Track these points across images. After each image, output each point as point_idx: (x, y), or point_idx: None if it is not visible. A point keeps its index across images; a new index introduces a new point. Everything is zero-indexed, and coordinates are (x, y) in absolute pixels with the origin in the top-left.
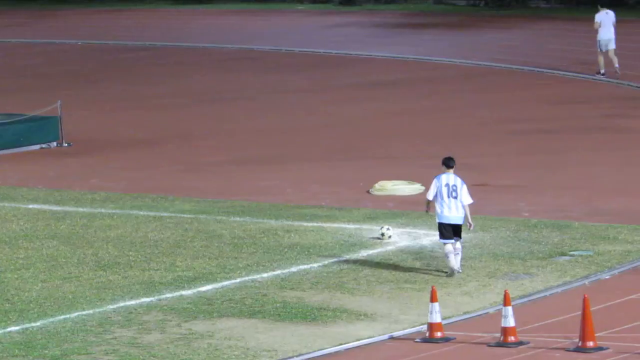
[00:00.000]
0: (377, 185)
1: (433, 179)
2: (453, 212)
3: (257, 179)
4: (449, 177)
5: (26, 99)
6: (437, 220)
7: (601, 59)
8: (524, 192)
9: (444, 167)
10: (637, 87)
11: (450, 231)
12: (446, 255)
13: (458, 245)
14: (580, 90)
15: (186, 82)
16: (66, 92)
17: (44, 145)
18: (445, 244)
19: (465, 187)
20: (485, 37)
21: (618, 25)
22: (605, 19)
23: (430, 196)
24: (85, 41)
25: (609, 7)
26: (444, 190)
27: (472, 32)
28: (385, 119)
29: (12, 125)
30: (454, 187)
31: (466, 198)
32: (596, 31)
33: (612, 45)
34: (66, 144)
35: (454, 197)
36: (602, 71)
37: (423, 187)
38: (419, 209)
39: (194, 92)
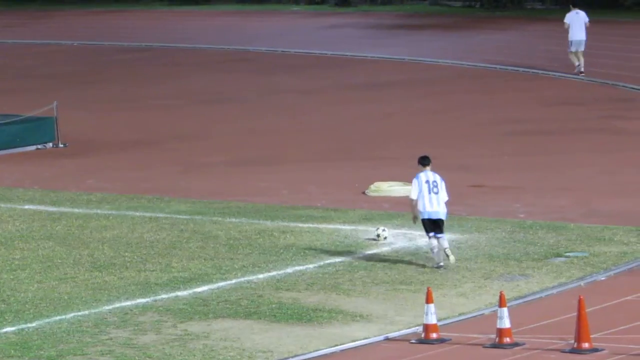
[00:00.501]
0: (372, 187)
1: (413, 179)
2: (435, 207)
3: (252, 180)
4: (428, 174)
5: (22, 99)
6: (421, 217)
7: (573, 57)
8: (519, 194)
9: (420, 166)
10: (632, 88)
11: (433, 226)
12: (431, 250)
13: (443, 242)
14: (575, 92)
15: (182, 83)
16: (62, 93)
17: (39, 146)
18: (430, 237)
19: (444, 183)
20: (481, 39)
21: (614, 26)
22: (575, 19)
23: (414, 195)
24: (82, 42)
25: (581, 7)
26: (425, 187)
27: (467, 34)
28: (380, 120)
29: (8, 126)
30: (435, 183)
31: (445, 195)
32: (567, 31)
33: (582, 48)
34: (62, 145)
35: (435, 193)
36: (581, 69)
37: None
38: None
39: (190, 93)
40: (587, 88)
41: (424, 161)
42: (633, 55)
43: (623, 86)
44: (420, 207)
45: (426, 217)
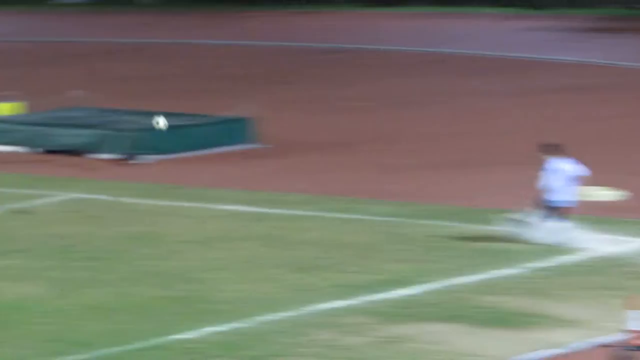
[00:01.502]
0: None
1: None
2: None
3: (445, 183)
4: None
5: (221, 100)
6: (553, 205)
7: None
8: None
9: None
10: None
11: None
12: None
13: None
14: None
15: (376, 84)
16: (259, 94)
17: (240, 147)
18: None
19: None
20: None
21: None
22: None
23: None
24: (274, 43)
25: None
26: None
27: None
28: (572, 125)
29: (209, 126)
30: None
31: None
32: None
33: None
34: (262, 146)
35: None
36: None
37: (624, 193)
38: (620, 215)
39: (383, 95)
40: None
41: (549, 149)
42: None
43: None
44: (553, 195)
45: (559, 205)
